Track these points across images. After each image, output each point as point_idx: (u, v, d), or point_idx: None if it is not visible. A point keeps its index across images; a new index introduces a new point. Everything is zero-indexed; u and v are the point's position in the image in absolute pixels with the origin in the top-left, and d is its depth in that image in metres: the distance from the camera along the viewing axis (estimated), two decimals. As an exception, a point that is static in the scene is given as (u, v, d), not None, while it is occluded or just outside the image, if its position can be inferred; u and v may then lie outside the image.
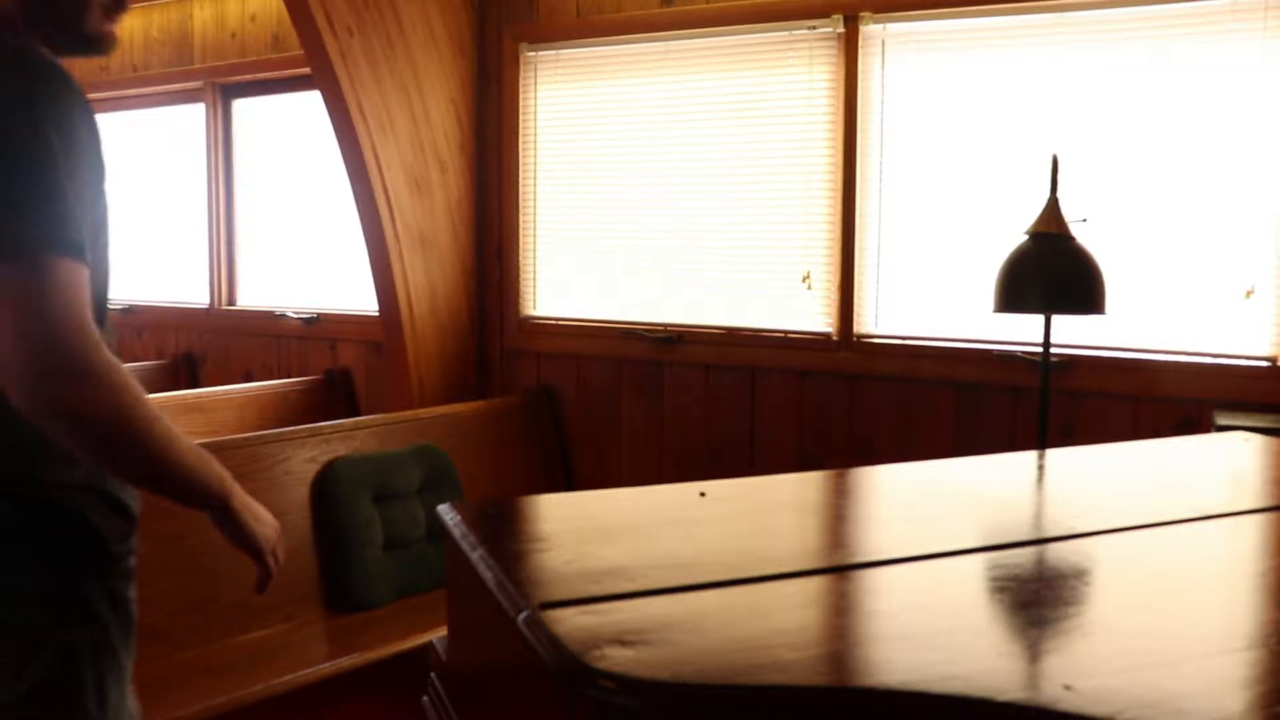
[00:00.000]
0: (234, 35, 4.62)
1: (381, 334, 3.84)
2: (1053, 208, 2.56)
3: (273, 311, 4.59)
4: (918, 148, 3.17)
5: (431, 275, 3.78)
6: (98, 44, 1.35)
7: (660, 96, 3.56)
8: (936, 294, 3.16)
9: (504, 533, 1.36)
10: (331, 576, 2.96)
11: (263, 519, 1.42)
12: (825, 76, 3.25)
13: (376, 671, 2.59)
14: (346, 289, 4.33)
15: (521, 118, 3.81)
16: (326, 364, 4.40)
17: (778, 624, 1.09)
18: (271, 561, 1.45)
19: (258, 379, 4.53)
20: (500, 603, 1.07)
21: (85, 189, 1.20)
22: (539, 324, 3.87)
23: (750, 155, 3.40)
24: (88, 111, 1.25)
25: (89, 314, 1.15)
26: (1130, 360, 2.86)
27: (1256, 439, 1.93)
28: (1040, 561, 1.24)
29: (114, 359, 1.17)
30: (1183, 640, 1.03)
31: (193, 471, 1.27)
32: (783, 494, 1.65)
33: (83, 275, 1.16)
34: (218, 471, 1.32)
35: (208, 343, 4.84)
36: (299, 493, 2.98)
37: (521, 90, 3.80)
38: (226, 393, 4.07)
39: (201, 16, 4.73)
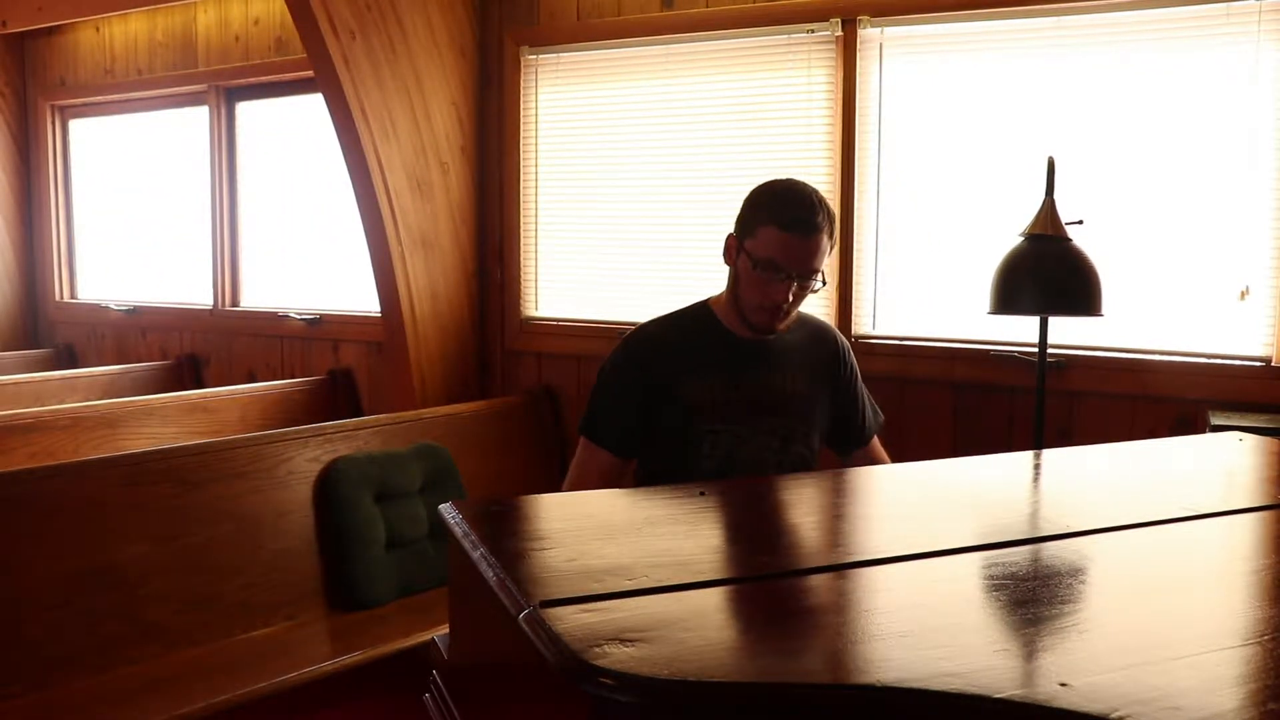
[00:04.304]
0: (237, 39, 4.63)
1: (383, 334, 3.85)
2: (1048, 209, 2.56)
3: (276, 312, 4.60)
4: (915, 150, 3.18)
5: (433, 276, 3.79)
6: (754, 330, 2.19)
7: (660, 99, 3.57)
8: (933, 295, 3.17)
9: (505, 531, 1.37)
10: (334, 575, 2.97)
11: None
12: (823, 79, 3.26)
13: (379, 669, 2.60)
14: (349, 290, 4.34)
15: (522, 120, 3.82)
16: (329, 364, 4.42)
17: (777, 622, 1.10)
18: None
19: (261, 379, 4.54)
20: (501, 601, 1.08)
21: (620, 409, 2.17)
22: (540, 324, 3.89)
23: (749, 157, 3.40)
24: (627, 362, 2.20)
25: (583, 472, 2.19)
26: (1126, 360, 2.87)
27: (1251, 438, 1.93)
28: (1036, 560, 1.26)
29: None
30: (1178, 637, 1.04)
31: None
32: (781, 493, 1.66)
33: (592, 450, 2.18)
34: None
35: (211, 343, 4.85)
36: (302, 492, 2.99)
37: (522, 93, 3.81)
38: (230, 393, 4.08)
39: (205, 20, 4.74)
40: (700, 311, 2.25)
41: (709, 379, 2.16)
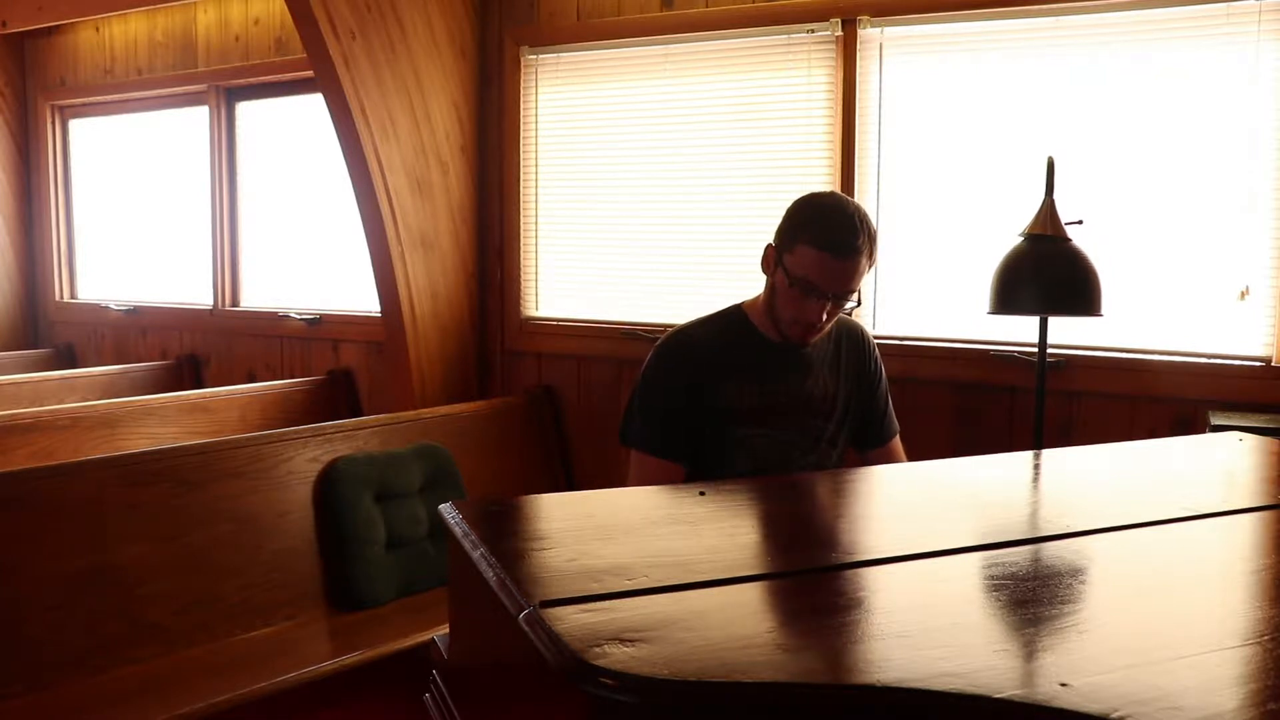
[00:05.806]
0: (237, 39, 4.63)
1: (383, 334, 3.85)
2: (1048, 209, 2.56)
3: (276, 312, 4.60)
4: (915, 150, 3.18)
5: (433, 276, 3.79)
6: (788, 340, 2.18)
7: (660, 99, 3.57)
8: (934, 295, 3.17)
9: (505, 531, 1.37)
10: (334, 575, 2.97)
11: None
12: (824, 79, 3.26)
13: (379, 669, 2.60)
14: (349, 290, 4.34)
15: (522, 120, 3.82)
16: (329, 364, 4.42)
17: (776, 622, 1.10)
18: None
19: (261, 379, 4.54)
20: (501, 601, 1.08)
21: (673, 415, 2.14)
22: (539, 324, 3.89)
23: (749, 157, 3.40)
24: (668, 367, 2.17)
25: (642, 481, 2.12)
26: (1126, 360, 2.87)
27: (1251, 438, 1.93)
28: (1037, 560, 1.25)
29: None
30: (1178, 638, 1.04)
31: None
32: (781, 493, 1.66)
33: (653, 462, 2.13)
34: None
35: (211, 343, 4.85)
36: (302, 492, 2.99)
37: (522, 92, 3.81)
38: (230, 393, 4.08)
39: (205, 20, 4.74)
40: (733, 315, 2.25)
41: (743, 384, 2.16)
